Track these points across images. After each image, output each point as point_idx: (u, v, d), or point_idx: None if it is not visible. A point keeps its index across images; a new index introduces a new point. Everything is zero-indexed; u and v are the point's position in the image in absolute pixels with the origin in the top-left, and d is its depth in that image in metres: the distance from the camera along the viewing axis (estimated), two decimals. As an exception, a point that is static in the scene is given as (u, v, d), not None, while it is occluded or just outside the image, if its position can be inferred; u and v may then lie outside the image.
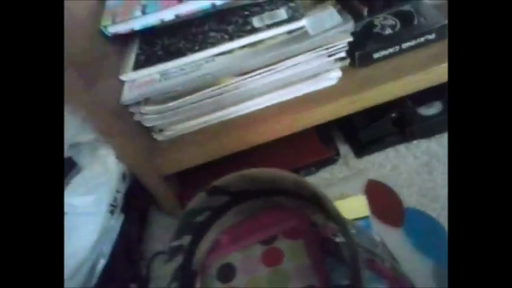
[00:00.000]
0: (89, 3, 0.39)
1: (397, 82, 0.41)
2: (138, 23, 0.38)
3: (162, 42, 0.41)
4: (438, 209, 0.40)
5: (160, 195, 0.42)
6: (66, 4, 0.29)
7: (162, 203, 0.44)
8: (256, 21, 0.40)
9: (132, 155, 0.38)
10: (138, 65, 0.39)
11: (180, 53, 0.39)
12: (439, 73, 0.41)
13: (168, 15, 0.38)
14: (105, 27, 0.38)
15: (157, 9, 0.38)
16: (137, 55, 0.40)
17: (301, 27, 0.39)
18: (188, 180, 0.46)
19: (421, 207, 0.40)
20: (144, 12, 0.38)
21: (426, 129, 0.46)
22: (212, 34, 0.40)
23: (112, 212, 0.36)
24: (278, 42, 0.39)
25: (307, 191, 0.27)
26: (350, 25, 0.39)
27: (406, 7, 0.44)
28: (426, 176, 0.43)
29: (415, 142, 0.47)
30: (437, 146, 0.45)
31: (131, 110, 0.38)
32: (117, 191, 0.37)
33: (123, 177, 0.38)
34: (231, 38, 0.39)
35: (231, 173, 0.29)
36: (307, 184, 0.26)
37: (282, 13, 0.40)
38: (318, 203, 0.27)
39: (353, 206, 0.33)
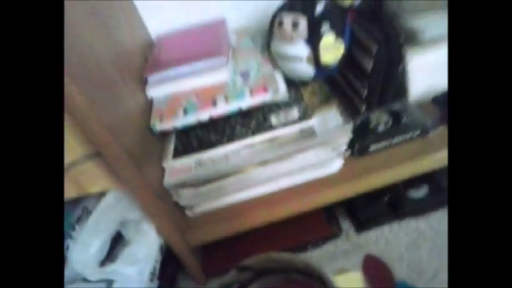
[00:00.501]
0: (140, 103, 0.49)
1: (389, 171, 0.49)
2: (180, 122, 0.47)
3: (196, 134, 0.50)
4: (424, 282, 0.47)
5: (188, 264, 0.49)
6: (123, 104, 0.38)
7: (189, 271, 0.51)
8: (274, 119, 0.49)
9: (169, 230, 0.45)
10: (177, 154, 0.47)
11: (211, 145, 0.47)
12: (423, 164, 0.50)
13: (203, 116, 0.47)
14: (153, 125, 0.47)
15: (195, 111, 0.47)
16: (175, 145, 0.49)
17: (310, 126, 0.48)
18: (210, 250, 0.53)
19: (410, 280, 0.47)
20: (185, 113, 0.47)
21: (415, 210, 0.54)
22: (238, 128, 0.49)
23: (151, 279, 0.43)
24: (291, 139, 0.47)
25: (315, 272, 0.34)
26: (350, 125, 0.48)
27: (397, 106, 0.53)
28: (415, 252, 0.50)
29: (406, 219, 0.54)
30: (425, 225, 0.53)
31: (170, 191, 0.46)
32: (156, 261, 0.44)
33: (161, 248, 0.45)
34: (253, 133, 0.48)
35: (255, 254, 0.36)
36: (315, 267, 0.34)
37: (294, 112, 0.49)
38: (323, 281, 0.34)
39: (351, 282, 0.40)
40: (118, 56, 0.46)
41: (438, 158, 0.49)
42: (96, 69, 0.39)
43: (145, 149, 0.46)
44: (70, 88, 0.34)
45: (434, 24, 0.46)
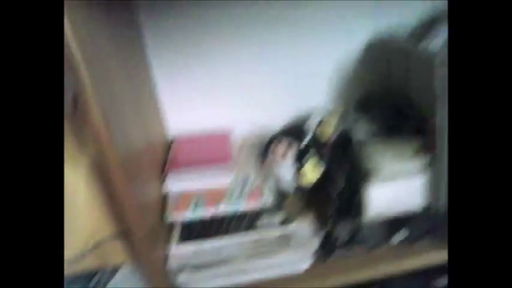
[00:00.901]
0: (157, 193, 0.62)
1: (349, 274, 0.62)
2: (190, 216, 0.60)
3: (197, 226, 0.62)
4: None
5: None
6: (148, 191, 0.51)
7: None
8: (260, 222, 0.63)
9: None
10: (181, 240, 0.60)
11: (209, 236, 0.60)
12: (377, 270, 0.63)
13: (209, 213, 0.61)
14: (168, 215, 0.60)
15: (203, 208, 0.61)
16: (180, 232, 0.61)
17: (288, 231, 0.62)
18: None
19: None
20: (195, 208, 0.60)
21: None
22: (232, 225, 0.62)
23: None
24: (272, 240, 0.61)
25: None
26: (319, 234, 0.62)
27: (356, 222, 0.68)
28: None
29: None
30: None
31: (174, 273, 0.58)
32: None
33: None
34: (244, 231, 0.61)
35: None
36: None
37: (277, 218, 0.63)
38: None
39: None
40: (148, 149, 0.60)
41: (383, 269, 0.63)
42: (135, 156, 0.52)
43: (157, 234, 0.58)
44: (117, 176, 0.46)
45: (391, 163, 0.63)
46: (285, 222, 0.62)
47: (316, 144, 0.66)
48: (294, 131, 0.68)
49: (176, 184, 0.65)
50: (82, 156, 0.54)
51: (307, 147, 0.65)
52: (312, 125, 0.69)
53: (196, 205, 0.61)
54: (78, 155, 0.54)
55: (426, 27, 0.71)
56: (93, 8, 0.44)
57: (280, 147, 0.66)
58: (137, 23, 0.69)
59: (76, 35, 0.36)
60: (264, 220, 0.63)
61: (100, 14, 0.46)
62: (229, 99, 0.78)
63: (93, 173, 0.54)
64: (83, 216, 0.53)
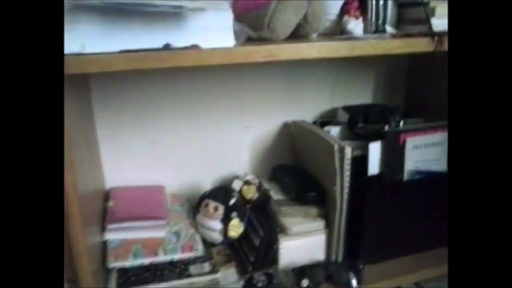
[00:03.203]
0: (96, 242, 0.68)
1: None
2: (130, 263, 0.67)
3: (134, 272, 0.69)
4: None
5: None
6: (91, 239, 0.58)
7: None
8: (192, 269, 0.72)
9: None
10: (119, 286, 0.66)
11: (145, 283, 0.67)
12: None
13: (147, 261, 0.68)
14: (109, 263, 0.66)
15: (142, 256, 0.68)
16: (118, 279, 0.67)
17: (216, 278, 0.72)
18: None
19: None
20: (134, 257, 0.68)
21: None
22: (166, 273, 0.70)
23: None
24: (202, 285, 0.70)
25: None
26: (241, 280, 0.74)
27: (271, 270, 0.81)
28: None
29: None
30: None
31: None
32: None
33: None
34: (177, 278, 0.69)
35: None
36: None
37: (206, 266, 0.73)
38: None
39: None
40: (93, 197, 0.67)
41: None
42: (85, 202, 0.58)
43: (99, 279, 0.64)
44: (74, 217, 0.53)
45: (298, 222, 0.79)
46: (213, 269, 0.72)
47: (240, 204, 0.79)
48: (221, 192, 0.81)
49: (115, 233, 0.71)
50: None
51: (233, 206, 0.78)
52: (236, 188, 0.84)
53: (135, 254, 0.68)
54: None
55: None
56: (72, 92, 0.54)
57: (211, 205, 0.77)
58: (90, 99, 0.80)
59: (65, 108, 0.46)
60: (195, 268, 0.72)
61: (72, 94, 0.56)
62: (163, 159, 0.89)
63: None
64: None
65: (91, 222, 0.64)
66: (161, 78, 0.83)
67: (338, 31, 0.72)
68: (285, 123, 0.95)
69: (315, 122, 0.93)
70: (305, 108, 0.95)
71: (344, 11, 0.72)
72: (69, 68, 0.45)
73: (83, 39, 0.45)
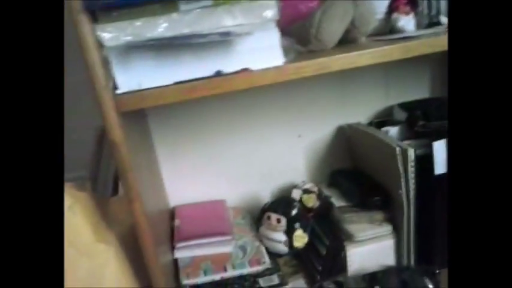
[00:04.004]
0: (168, 260, 0.71)
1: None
2: (201, 280, 0.69)
3: (207, 288, 0.71)
4: None
5: None
6: (161, 264, 0.61)
7: None
8: (262, 282, 0.73)
9: None
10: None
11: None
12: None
13: (217, 277, 0.70)
14: (182, 280, 0.69)
15: (212, 273, 0.70)
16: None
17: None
18: None
19: None
20: (205, 274, 0.70)
21: None
22: (236, 287, 0.72)
23: None
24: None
25: None
26: (310, 291, 0.73)
27: (340, 278, 0.79)
28: None
29: None
30: None
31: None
32: None
33: None
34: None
35: None
36: None
37: (275, 278, 0.74)
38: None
39: None
40: (161, 218, 0.70)
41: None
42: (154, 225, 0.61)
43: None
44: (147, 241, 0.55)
45: (364, 228, 0.76)
46: (282, 281, 0.73)
47: (302, 214, 0.79)
48: (282, 204, 0.81)
49: (184, 251, 0.74)
50: (111, 236, 0.63)
51: (295, 217, 0.77)
52: (296, 197, 0.83)
53: (205, 271, 0.70)
54: (107, 235, 0.63)
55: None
56: (131, 123, 0.56)
57: (273, 217, 0.78)
58: (147, 123, 0.84)
59: (125, 142, 0.49)
60: (264, 281, 0.73)
61: (130, 125, 0.59)
62: (221, 174, 0.91)
63: (121, 247, 0.63)
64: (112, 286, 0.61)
65: (162, 243, 0.67)
66: (215, 98, 0.85)
67: (387, 29, 0.70)
68: (339, 127, 0.93)
69: (370, 123, 0.90)
70: (358, 110, 0.92)
71: (392, 8, 0.69)
72: (127, 105, 0.47)
73: (139, 76, 0.48)
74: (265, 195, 0.93)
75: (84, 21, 0.44)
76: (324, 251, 0.75)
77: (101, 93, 0.46)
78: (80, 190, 0.64)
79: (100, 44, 0.45)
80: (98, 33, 0.45)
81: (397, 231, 0.76)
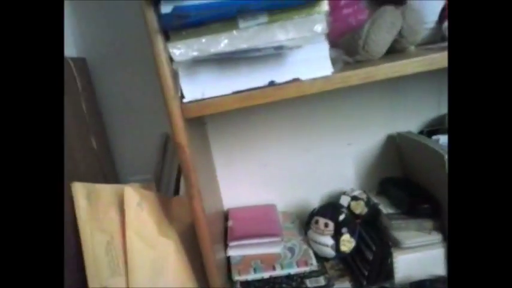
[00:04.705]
0: (221, 257, 0.76)
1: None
2: (251, 277, 0.74)
3: (254, 285, 0.76)
4: None
5: None
6: (217, 261, 0.66)
7: None
8: (308, 282, 0.76)
9: None
10: None
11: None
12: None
13: (266, 275, 0.74)
14: (234, 276, 0.74)
15: (261, 271, 0.75)
16: (244, 291, 0.75)
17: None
18: None
19: None
20: (255, 271, 0.74)
21: None
22: (284, 286, 0.75)
23: None
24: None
25: None
26: None
27: (387, 284, 0.80)
28: None
29: None
30: None
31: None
32: None
33: None
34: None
35: None
36: None
37: (321, 280, 0.76)
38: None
39: None
40: (216, 218, 0.75)
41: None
42: (211, 223, 0.67)
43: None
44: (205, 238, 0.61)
45: (412, 236, 0.77)
46: (328, 283, 0.75)
47: (350, 219, 0.81)
48: (330, 209, 0.83)
49: (236, 249, 0.79)
50: (172, 231, 0.70)
51: (342, 222, 0.80)
52: (344, 203, 0.85)
53: (255, 269, 0.75)
54: (169, 230, 0.70)
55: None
56: (193, 129, 0.63)
57: (321, 221, 0.81)
58: (206, 131, 0.91)
59: (189, 145, 0.55)
60: (311, 282, 0.76)
61: (193, 131, 0.66)
62: (273, 180, 0.96)
63: (180, 242, 0.70)
64: (172, 279, 0.68)
65: (216, 241, 0.72)
66: (268, 107, 0.91)
67: (438, 38, 0.71)
68: (389, 136, 0.94)
69: (421, 132, 0.90)
70: (409, 119, 0.93)
71: (443, 17, 0.70)
72: (192, 112, 0.54)
73: (203, 87, 0.54)
74: (315, 202, 0.96)
75: (159, 40, 0.51)
76: (370, 257, 0.76)
77: (169, 101, 0.53)
78: (146, 189, 0.72)
79: (171, 59, 0.52)
80: (169, 50, 0.52)
81: (447, 240, 0.75)
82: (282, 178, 0.96)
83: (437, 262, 0.76)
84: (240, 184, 0.95)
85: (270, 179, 0.95)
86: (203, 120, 0.87)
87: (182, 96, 0.55)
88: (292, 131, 0.93)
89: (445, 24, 0.69)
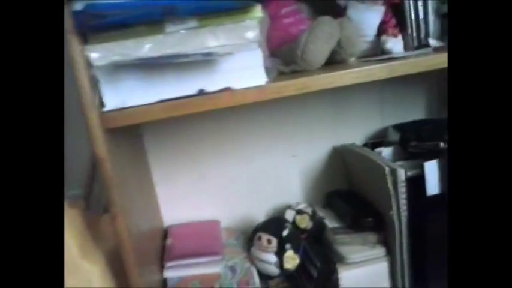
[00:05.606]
0: (156, 279, 0.70)
1: None
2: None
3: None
4: None
5: None
6: (147, 283, 0.60)
7: None
8: (249, 305, 0.71)
9: None
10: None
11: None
12: None
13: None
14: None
15: (199, 294, 0.69)
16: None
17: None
18: None
19: None
20: (192, 294, 0.69)
21: None
22: (224, 309, 0.70)
23: None
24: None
25: None
26: (300, 315, 0.72)
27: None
28: None
29: None
30: None
31: None
32: None
33: None
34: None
35: None
36: None
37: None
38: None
39: None
40: (150, 236, 0.70)
41: None
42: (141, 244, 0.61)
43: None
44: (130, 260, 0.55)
45: (357, 250, 0.75)
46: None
47: (294, 235, 0.78)
48: (273, 224, 0.80)
49: (173, 270, 0.74)
50: (98, 254, 0.63)
51: (286, 237, 0.77)
52: (289, 218, 0.82)
53: (194, 291, 0.70)
54: (94, 251, 0.63)
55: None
56: (118, 141, 0.58)
57: (264, 237, 0.77)
58: (143, 145, 0.85)
59: (110, 158, 0.50)
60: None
61: (118, 142, 0.60)
62: (216, 194, 0.91)
63: (107, 265, 0.63)
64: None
65: (149, 261, 0.67)
66: (205, 118, 0.86)
67: (378, 51, 0.71)
68: (334, 148, 0.93)
69: (365, 144, 0.90)
70: (354, 131, 0.93)
71: (381, 30, 0.70)
72: (112, 123, 0.49)
73: (124, 94, 0.49)
74: (260, 216, 0.93)
75: (74, 42, 0.46)
76: (315, 273, 0.73)
77: (87, 110, 0.48)
78: (71, 207, 0.65)
79: (89, 64, 0.47)
80: (87, 53, 0.47)
81: (391, 253, 0.74)
82: (225, 192, 0.91)
83: (382, 276, 0.75)
84: (182, 199, 0.90)
85: (212, 193, 0.91)
86: (138, 131, 0.81)
87: (103, 105, 0.49)
88: (234, 144, 0.89)
89: (383, 37, 0.69)
